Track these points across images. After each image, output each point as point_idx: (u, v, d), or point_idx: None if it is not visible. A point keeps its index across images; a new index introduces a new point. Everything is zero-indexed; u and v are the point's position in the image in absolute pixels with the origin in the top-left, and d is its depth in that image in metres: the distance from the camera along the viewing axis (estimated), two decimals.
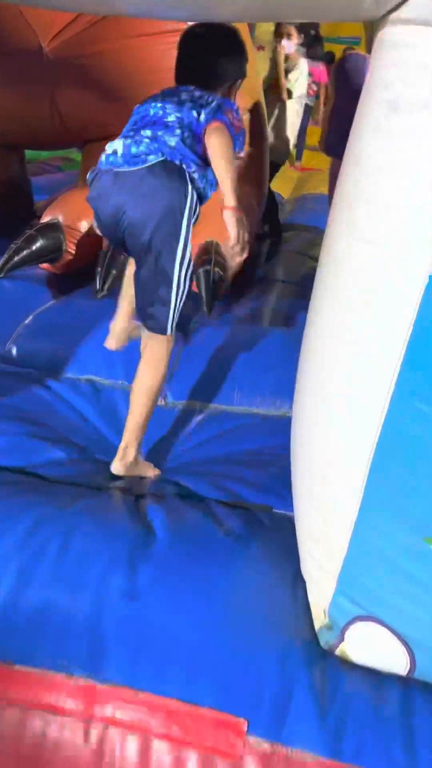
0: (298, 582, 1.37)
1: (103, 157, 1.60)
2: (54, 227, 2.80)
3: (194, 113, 1.58)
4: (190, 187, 1.58)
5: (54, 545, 1.36)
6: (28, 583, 1.31)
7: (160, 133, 1.57)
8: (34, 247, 2.75)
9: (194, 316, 2.60)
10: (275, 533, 1.53)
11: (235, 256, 1.60)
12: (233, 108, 1.64)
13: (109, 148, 1.60)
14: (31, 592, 1.30)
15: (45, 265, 2.90)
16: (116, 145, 1.58)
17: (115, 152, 1.58)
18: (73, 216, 2.87)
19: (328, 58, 6.32)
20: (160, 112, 1.61)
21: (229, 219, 1.57)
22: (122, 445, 1.69)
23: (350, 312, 1.14)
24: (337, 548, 1.24)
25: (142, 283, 1.62)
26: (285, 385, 2.01)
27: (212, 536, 1.48)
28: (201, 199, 1.63)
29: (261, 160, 3.32)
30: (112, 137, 3.33)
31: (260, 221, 3.63)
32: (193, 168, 1.58)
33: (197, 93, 1.64)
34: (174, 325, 1.63)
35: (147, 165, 1.53)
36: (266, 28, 8.64)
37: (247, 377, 2.14)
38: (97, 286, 2.57)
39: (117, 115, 3.15)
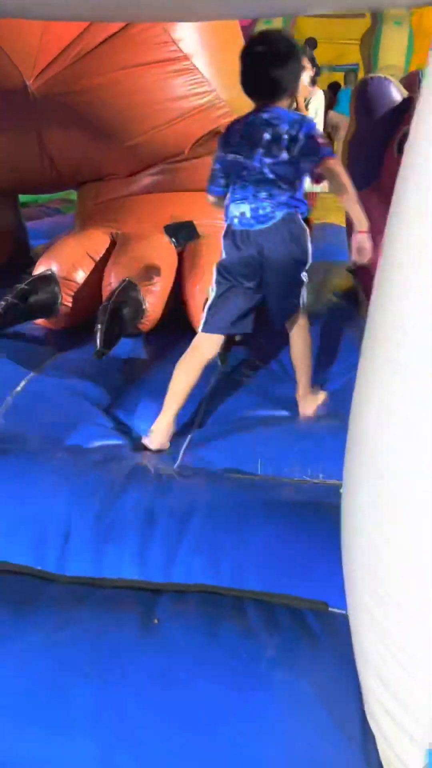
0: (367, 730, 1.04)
1: (235, 220, 1.96)
2: (48, 279, 2.53)
3: (288, 160, 1.88)
4: (300, 220, 1.97)
5: None
6: None
7: (274, 192, 1.91)
8: (27, 303, 2.47)
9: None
10: (331, 647, 1.20)
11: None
12: (313, 127, 1.90)
13: (237, 211, 1.95)
14: None
15: (40, 321, 2.63)
16: (243, 209, 1.93)
17: (243, 214, 1.94)
18: (69, 266, 2.60)
19: (335, 88, 6.43)
20: (264, 169, 1.90)
21: (364, 243, 1.91)
22: (301, 392, 2.12)
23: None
24: (421, 703, 0.91)
25: (281, 294, 2.02)
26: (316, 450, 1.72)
27: (246, 668, 1.15)
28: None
29: None
30: (107, 177, 3.15)
31: None
32: (299, 205, 1.96)
33: (277, 124, 1.87)
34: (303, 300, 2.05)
35: (275, 221, 1.92)
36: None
37: (270, 440, 1.84)
38: (98, 345, 2.28)
39: (111, 154, 2.93)
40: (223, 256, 1.98)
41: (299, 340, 2.09)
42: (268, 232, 1.90)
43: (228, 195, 1.96)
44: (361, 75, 8.43)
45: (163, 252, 2.64)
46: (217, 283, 2.00)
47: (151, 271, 2.54)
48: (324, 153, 1.86)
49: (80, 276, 2.61)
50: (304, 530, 1.38)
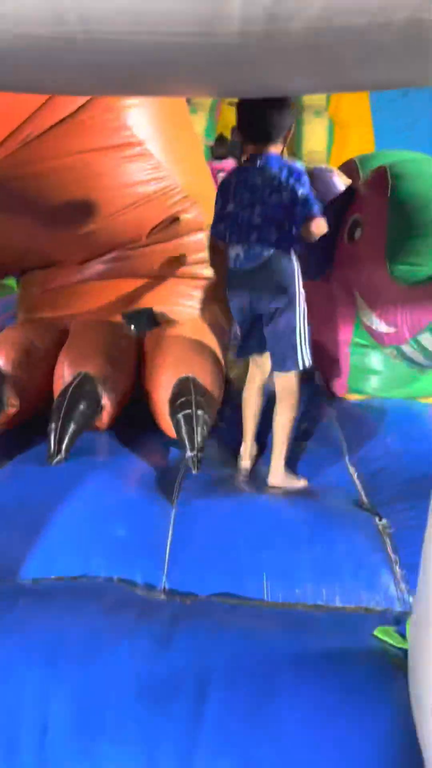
0: None
1: (232, 261, 2.11)
2: None
3: (280, 206, 1.99)
4: (293, 257, 2.06)
5: None
6: None
7: (264, 234, 2.02)
8: None
9: (180, 474, 2.09)
10: None
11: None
12: (302, 175, 2.01)
13: (233, 252, 2.10)
14: None
15: None
16: (238, 250, 2.08)
17: (238, 255, 2.09)
18: (14, 359, 2.36)
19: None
20: (254, 214, 2.03)
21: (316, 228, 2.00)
22: (272, 465, 2.10)
23: None
24: None
25: (277, 337, 2.09)
26: (328, 568, 1.51)
27: None
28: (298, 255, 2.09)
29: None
30: (54, 264, 2.97)
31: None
32: (291, 243, 2.05)
33: (268, 170, 2.00)
34: (305, 361, 2.09)
35: (263, 259, 2.04)
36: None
37: (275, 559, 1.61)
38: (52, 448, 2.03)
39: (62, 241, 2.74)
40: (228, 294, 2.18)
41: (284, 407, 2.12)
42: (258, 270, 2.05)
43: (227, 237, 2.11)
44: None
45: (121, 341, 2.45)
46: (234, 317, 2.25)
47: (108, 363, 2.33)
48: (313, 212, 1.98)
49: (28, 370, 2.37)
50: (347, 705, 1.09)
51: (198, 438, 2.04)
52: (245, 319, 2.16)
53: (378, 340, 2.33)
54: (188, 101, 8.94)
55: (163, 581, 1.55)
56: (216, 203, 2.15)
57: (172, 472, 2.12)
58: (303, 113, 8.80)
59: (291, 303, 2.05)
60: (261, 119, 1.99)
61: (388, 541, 1.68)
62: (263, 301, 2.06)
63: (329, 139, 8.53)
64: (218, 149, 7.84)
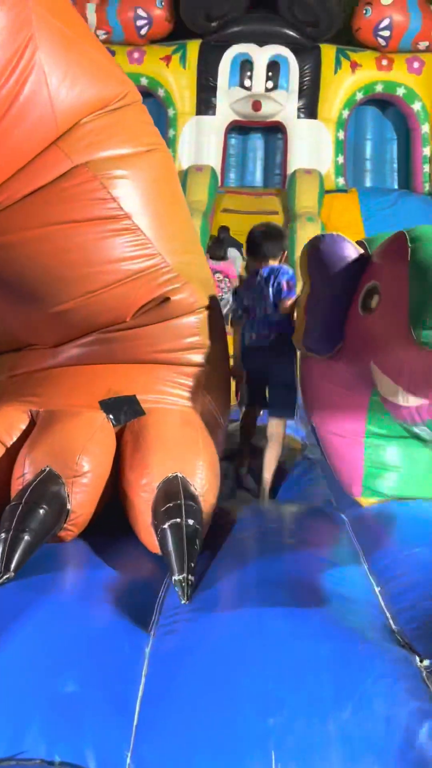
0: None
1: (247, 340, 2.97)
2: None
3: (271, 296, 2.95)
4: (288, 338, 2.69)
5: None
6: None
7: (270, 320, 2.95)
8: None
9: (163, 591, 1.66)
10: None
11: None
12: (288, 275, 2.93)
13: (248, 334, 2.98)
14: None
15: None
16: (252, 333, 2.96)
17: (251, 336, 2.97)
18: None
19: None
20: (263, 306, 2.95)
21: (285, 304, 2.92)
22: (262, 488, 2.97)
23: None
24: None
25: (279, 393, 2.99)
26: (362, 744, 1.07)
27: None
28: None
29: (224, 364, 2.64)
30: (24, 347, 2.65)
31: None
32: (288, 328, 2.82)
33: (269, 275, 2.94)
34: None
35: (271, 339, 2.95)
36: (196, 198, 8.93)
37: (288, 728, 1.15)
38: (2, 563, 1.60)
39: (34, 320, 2.44)
40: (243, 363, 3.03)
41: (274, 443, 3.01)
42: (268, 347, 2.93)
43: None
44: None
45: (97, 432, 2.08)
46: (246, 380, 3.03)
47: (79, 458, 1.95)
48: (283, 295, 2.91)
49: None
50: None
51: (188, 556, 1.63)
52: (255, 380, 2.97)
53: (406, 418, 2.01)
54: None
55: (128, 763, 1.10)
56: (234, 301, 3.09)
57: (152, 588, 1.70)
58: (296, 220, 8.97)
59: (290, 366, 2.90)
60: (261, 246, 3.02)
61: None
62: (269, 366, 2.94)
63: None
64: (215, 251, 7.89)
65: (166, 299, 2.38)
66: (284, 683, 1.21)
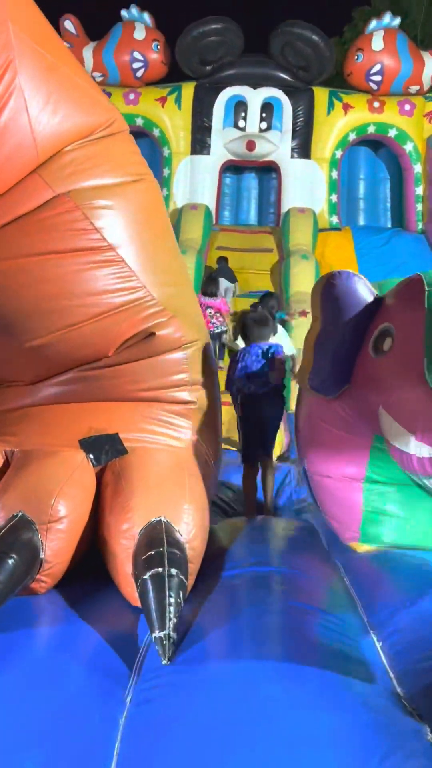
0: None
1: (245, 388, 3.47)
2: None
3: (266, 365, 3.49)
4: (279, 391, 3.55)
5: None
6: None
7: (265, 380, 3.47)
8: None
9: (143, 649, 1.51)
10: None
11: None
12: (278, 348, 3.55)
13: (246, 389, 3.47)
14: None
15: None
16: (251, 383, 3.46)
17: (250, 387, 3.46)
18: None
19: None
20: (253, 366, 3.48)
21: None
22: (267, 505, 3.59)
23: None
24: None
25: (267, 431, 3.57)
26: None
27: None
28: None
29: (214, 401, 2.51)
30: (4, 384, 2.52)
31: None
32: (278, 385, 3.54)
33: (266, 349, 3.51)
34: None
35: (266, 389, 3.47)
36: (190, 236, 8.92)
37: None
38: None
39: (11, 355, 2.32)
40: (243, 412, 3.50)
41: (269, 476, 3.59)
42: (262, 396, 3.43)
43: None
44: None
45: (75, 472, 1.94)
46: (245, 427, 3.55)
47: (55, 501, 1.81)
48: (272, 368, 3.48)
49: None
50: None
51: (170, 610, 1.48)
52: (253, 427, 3.51)
53: (416, 468, 1.87)
54: (178, 243, 9.16)
55: None
56: (232, 365, 3.53)
57: (131, 646, 1.54)
58: (290, 257, 8.97)
59: (280, 414, 3.61)
60: (253, 330, 3.57)
61: None
62: (265, 415, 3.48)
63: (316, 281, 8.61)
64: (209, 287, 7.93)
65: (151, 334, 2.27)
66: (279, 764, 1.06)
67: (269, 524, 2.53)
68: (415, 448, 1.83)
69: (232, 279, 8.86)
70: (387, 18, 10.03)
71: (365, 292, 2.22)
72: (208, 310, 7.49)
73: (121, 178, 2.24)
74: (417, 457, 1.82)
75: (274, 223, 10.28)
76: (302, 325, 7.76)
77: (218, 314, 7.59)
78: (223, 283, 8.61)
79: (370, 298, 2.22)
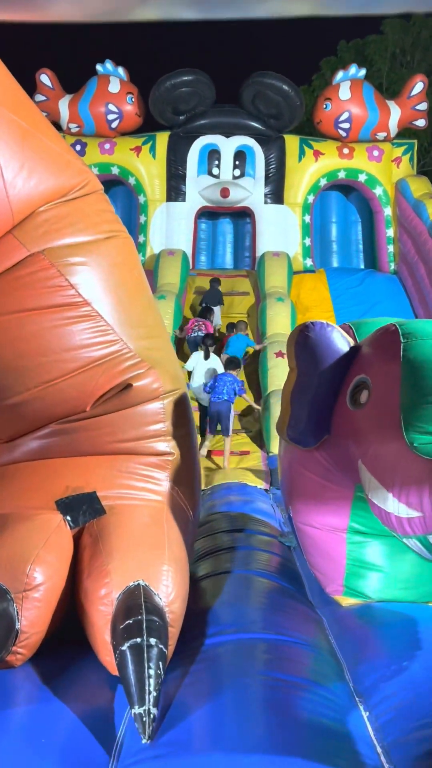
0: None
1: (208, 399, 7.22)
2: None
3: (234, 390, 7.19)
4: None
5: None
6: None
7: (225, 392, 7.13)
8: None
9: (123, 725, 1.44)
10: None
11: None
12: (240, 385, 7.26)
13: (213, 395, 7.16)
14: None
15: None
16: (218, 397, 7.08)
17: (215, 395, 7.15)
18: None
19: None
20: (222, 388, 7.10)
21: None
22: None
23: None
24: None
25: (223, 420, 7.20)
26: None
27: None
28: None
29: (191, 451, 2.48)
30: None
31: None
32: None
33: (231, 379, 7.20)
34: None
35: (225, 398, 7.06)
36: (168, 281, 9.10)
37: None
38: None
39: None
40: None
41: (227, 443, 7.15)
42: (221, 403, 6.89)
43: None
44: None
45: (51, 537, 1.89)
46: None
47: (31, 568, 1.75)
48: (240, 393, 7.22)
49: None
50: None
51: (150, 683, 1.43)
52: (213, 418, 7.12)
53: (395, 527, 1.82)
54: (156, 289, 9.24)
55: None
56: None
57: (110, 724, 1.47)
58: (266, 299, 9.08)
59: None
60: (227, 368, 7.18)
61: None
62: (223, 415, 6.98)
63: (292, 322, 8.70)
64: (204, 313, 8.94)
65: (129, 386, 2.25)
66: None
67: (251, 581, 2.47)
68: (393, 506, 1.79)
69: (219, 302, 9.31)
70: (353, 69, 10.41)
71: (341, 341, 2.21)
72: (197, 323, 8.62)
73: (95, 235, 2.26)
74: (395, 515, 1.78)
75: (250, 266, 10.43)
76: (279, 365, 7.84)
77: (203, 326, 8.59)
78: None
79: (345, 348, 2.21)
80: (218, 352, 8.24)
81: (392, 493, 1.80)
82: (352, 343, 2.23)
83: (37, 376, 2.15)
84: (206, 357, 7.79)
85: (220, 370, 7.53)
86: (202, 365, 7.74)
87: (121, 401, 2.24)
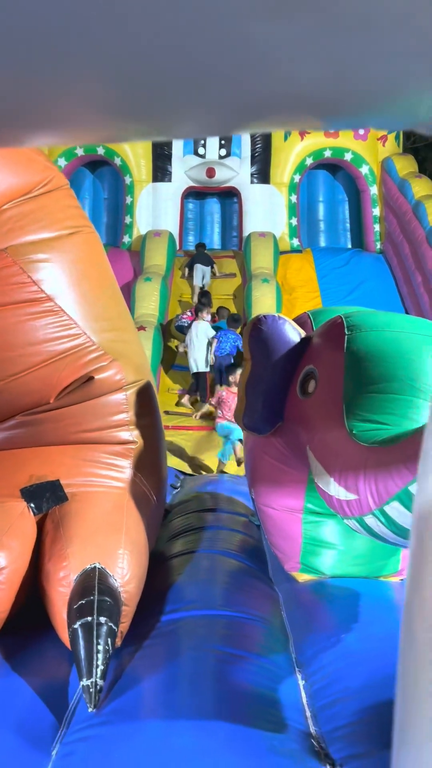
0: None
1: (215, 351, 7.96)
2: None
3: (237, 345, 7.79)
4: None
5: None
6: None
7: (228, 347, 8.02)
8: None
9: (75, 700, 1.57)
10: None
11: None
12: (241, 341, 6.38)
13: (217, 349, 8.03)
14: None
15: None
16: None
17: (219, 350, 8.01)
18: None
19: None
20: (225, 344, 7.99)
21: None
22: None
23: None
24: None
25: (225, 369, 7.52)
26: None
27: None
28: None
29: (155, 439, 2.59)
30: None
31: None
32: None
33: (234, 336, 8.09)
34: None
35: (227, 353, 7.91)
36: (155, 262, 9.26)
37: None
38: None
39: None
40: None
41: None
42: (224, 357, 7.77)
43: None
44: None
45: (15, 523, 2.00)
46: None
47: None
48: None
49: None
50: None
51: (98, 658, 1.55)
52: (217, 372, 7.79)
53: (337, 509, 1.94)
54: (143, 270, 9.30)
55: None
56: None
57: (64, 695, 1.60)
58: (251, 281, 9.14)
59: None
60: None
61: None
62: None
63: (278, 303, 8.78)
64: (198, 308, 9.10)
65: (91, 378, 2.35)
66: None
67: (215, 560, 2.60)
68: (334, 489, 1.90)
69: (208, 263, 9.58)
70: None
71: (292, 333, 2.32)
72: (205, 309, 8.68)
73: (58, 231, 2.33)
74: (336, 498, 1.90)
75: (237, 246, 10.47)
76: None
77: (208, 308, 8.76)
78: (199, 268, 9.44)
79: (297, 339, 2.31)
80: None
81: (333, 477, 1.91)
82: (303, 334, 2.33)
83: (2, 370, 2.25)
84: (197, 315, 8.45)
85: (210, 334, 8.20)
86: (197, 336, 8.22)
87: (84, 393, 2.35)
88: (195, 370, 8.14)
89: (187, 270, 9.80)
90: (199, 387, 8.16)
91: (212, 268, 9.75)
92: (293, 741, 1.36)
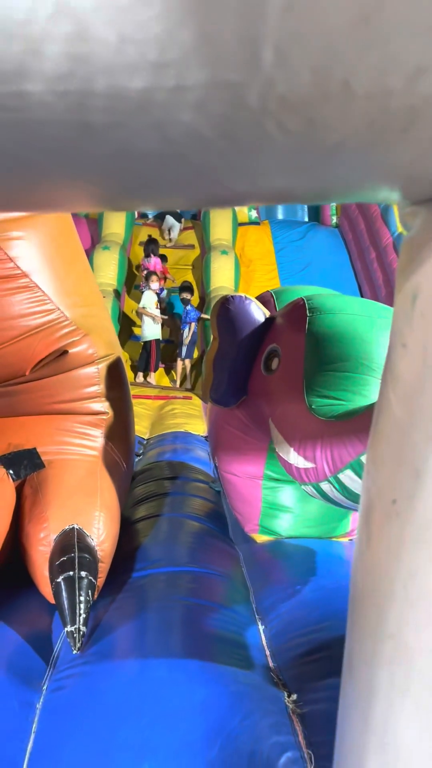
0: None
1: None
2: None
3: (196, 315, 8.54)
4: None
5: None
6: None
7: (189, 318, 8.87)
8: None
9: (59, 645, 1.74)
10: None
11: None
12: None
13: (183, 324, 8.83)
14: None
15: None
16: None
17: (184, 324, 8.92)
18: None
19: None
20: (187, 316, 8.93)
21: None
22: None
23: None
24: None
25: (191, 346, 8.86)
26: None
27: None
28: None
29: (124, 410, 2.74)
30: None
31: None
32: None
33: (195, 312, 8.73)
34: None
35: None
36: (113, 231, 9.32)
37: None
38: None
39: None
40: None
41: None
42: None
43: None
44: (195, 293, 9.07)
45: None
46: None
47: None
48: None
49: None
50: None
51: (80, 608, 1.72)
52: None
53: (295, 476, 2.15)
54: (101, 239, 9.28)
55: None
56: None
57: (47, 641, 1.77)
58: (210, 252, 9.23)
59: None
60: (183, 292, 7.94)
61: (298, 724, 1.38)
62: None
63: (236, 276, 8.92)
64: (148, 247, 9.43)
65: (65, 352, 2.47)
66: (159, 730, 1.32)
67: (180, 523, 2.79)
68: (294, 458, 2.10)
69: (178, 219, 9.89)
70: None
71: (258, 313, 2.49)
72: (152, 276, 8.92)
73: None
74: (295, 466, 2.10)
75: (197, 217, 10.51)
76: None
77: (155, 276, 8.93)
78: (169, 219, 9.69)
79: (262, 319, 2.49)
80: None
81: (293, 447, 2.12)
82: (268, 314, 2.50)
83: None
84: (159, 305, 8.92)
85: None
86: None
87: (58, 366, 2.47)
88: (144, 340, 8.51)
89: (159, 221, 10.07)
90: (148, 357, 8.47)
91: (180, 224, 10.12)
92: (256, 674, 1.57)
